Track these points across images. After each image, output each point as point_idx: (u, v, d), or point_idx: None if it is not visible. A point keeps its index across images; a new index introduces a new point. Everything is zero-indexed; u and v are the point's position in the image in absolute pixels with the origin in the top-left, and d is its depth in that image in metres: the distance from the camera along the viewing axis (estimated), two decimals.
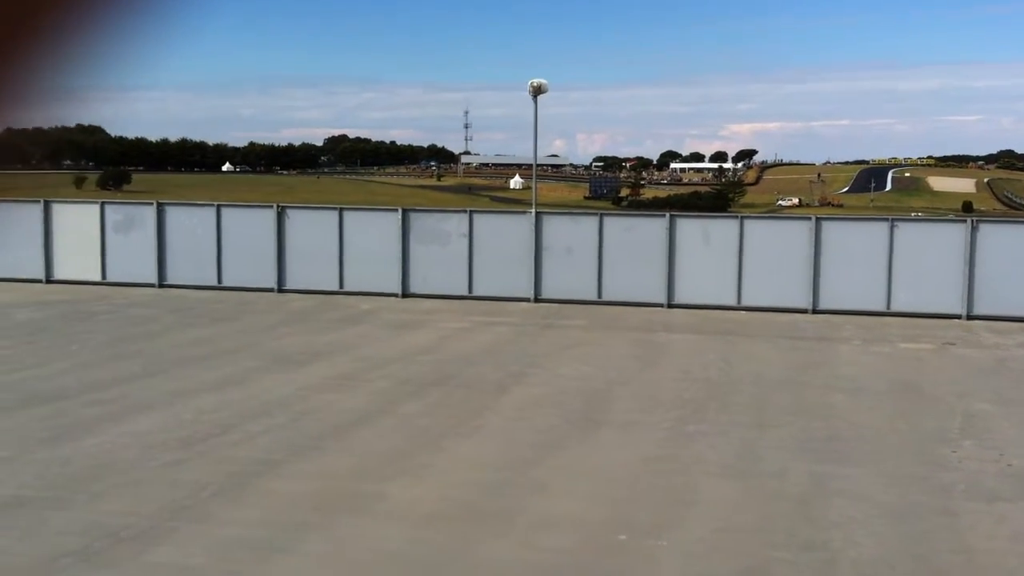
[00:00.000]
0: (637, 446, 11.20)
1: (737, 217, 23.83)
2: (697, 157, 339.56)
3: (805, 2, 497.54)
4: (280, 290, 24.99)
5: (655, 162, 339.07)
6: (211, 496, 9.21)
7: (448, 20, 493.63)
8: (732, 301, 23.07)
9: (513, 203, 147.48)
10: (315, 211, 25.91)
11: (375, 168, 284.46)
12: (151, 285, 25.50)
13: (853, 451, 11.11)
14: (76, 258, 26.03)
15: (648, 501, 9.25)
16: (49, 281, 26.00)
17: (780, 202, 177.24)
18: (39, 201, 26.40)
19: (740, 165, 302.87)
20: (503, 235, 24.43)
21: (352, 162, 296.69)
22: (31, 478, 9.69)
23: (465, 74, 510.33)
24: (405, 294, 24.52)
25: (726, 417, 12.64)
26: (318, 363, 15.90)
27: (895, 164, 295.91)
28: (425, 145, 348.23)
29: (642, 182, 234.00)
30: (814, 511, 9.03)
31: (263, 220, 25.33)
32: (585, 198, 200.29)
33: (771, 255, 22.96)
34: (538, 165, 30.89)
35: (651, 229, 23.71)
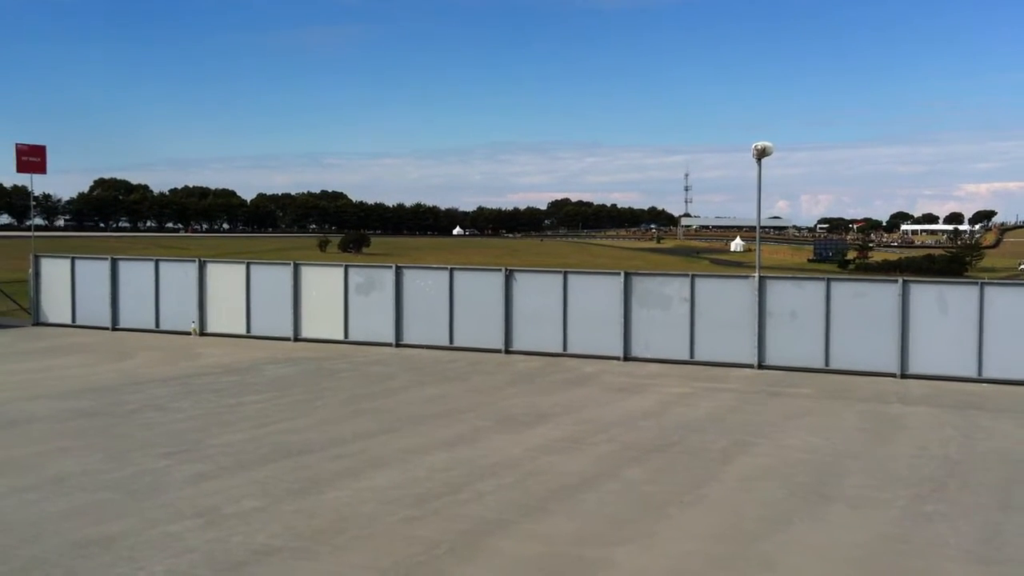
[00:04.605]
0: (870, 525, 10.81)
1: (977, 283, 22.55)
2: (930, 218, 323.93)
3: None
4: (507, 351, 25.71)
5: (884, 223, 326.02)
6: (444, 553, 9.63)
7: (670, 82, 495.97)
8: (972, 372, 21.79)
9: (734, 266, 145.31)
10: (541, 274, 26.54)
11: (596, 231, 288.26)
12: (389, 344, 26.86)
13: None
14: (322, 318, 27.84)
15: None
16: (297, 339, 27.88)
17: (1022, 266, 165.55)
18: (289, 264, 28.49)
19: (978, 227, 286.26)
20: (725, 299, 24.17)
21: (574, 225, 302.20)
22: (280, 528, 10.41)
23: (686, 136, 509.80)
24: (627, 357, 24.65)
25: (968, 497, 11.98)
26: (543, 424, 16.27)
27: None
28: (645, 207, 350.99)
29: (870, 244, 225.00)
30: None
31: (492, 282, 26.22)
32: (809, 261, 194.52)
33: (1016, 323, 21.57)
34: (760, 227, 30.38)
35: (882, 295, 22.82)
